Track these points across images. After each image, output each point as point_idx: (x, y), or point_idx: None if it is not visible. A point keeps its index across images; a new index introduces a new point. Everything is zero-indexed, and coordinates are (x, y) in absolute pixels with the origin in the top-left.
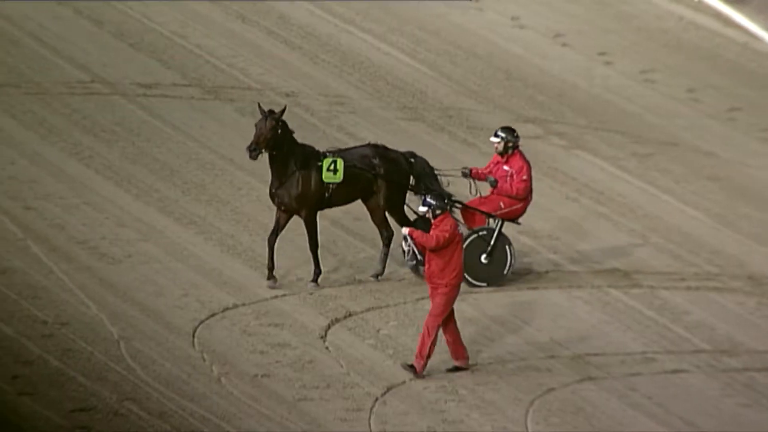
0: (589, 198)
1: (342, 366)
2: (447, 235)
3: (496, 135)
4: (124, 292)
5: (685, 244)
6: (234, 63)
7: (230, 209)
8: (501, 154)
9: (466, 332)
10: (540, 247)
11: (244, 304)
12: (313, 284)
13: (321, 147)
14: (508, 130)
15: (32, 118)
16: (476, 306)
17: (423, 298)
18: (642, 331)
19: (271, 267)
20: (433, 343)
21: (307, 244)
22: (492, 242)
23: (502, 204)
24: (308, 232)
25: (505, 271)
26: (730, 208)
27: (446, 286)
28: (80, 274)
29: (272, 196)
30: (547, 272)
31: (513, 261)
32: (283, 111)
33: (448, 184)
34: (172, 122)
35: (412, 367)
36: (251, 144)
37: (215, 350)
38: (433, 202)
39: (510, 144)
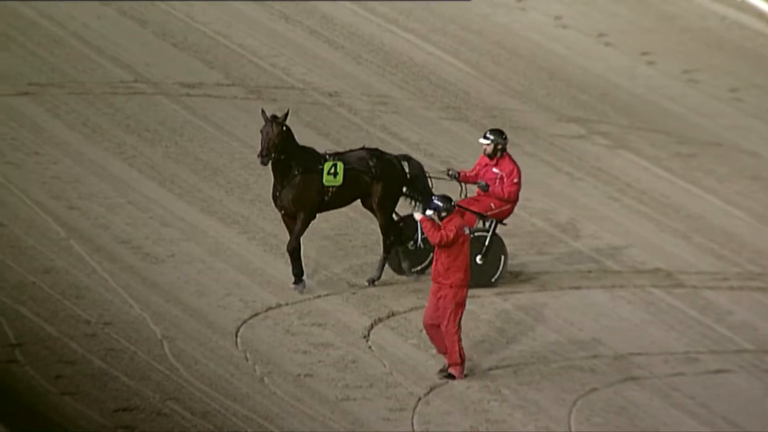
0: (632, 198)
1: (385, 366)
2: (452, 234)
3: (485, 137)
4: (168, 291)
5: (728, 243)
6: (277, 63)
7: (273, 209)
8: (490, 156)
9: (510, 331)
10: (583, 247)
11: (287, 304)
12: (296, 286)
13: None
14: (497, 132)
15: (76, 118)
16: (519, 305)
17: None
18: (685, 330)
19: (298, 273)
20: (461, 347)
21: (288, 241)
22: (487, 243)
23: (492, 205)
24: (298, 231)
25: (498, 275)
26: None
27: (451, 287)
28: (123, 273)
29: (275, 199)
30: (590, 272)
31: (505, 264)
32: (286, 115)
33: (433, 186)
34: (215, 122)
35: (450, 375)
36: (262, 150)
37: (258, 350)
38: (440, 204)
39: (499, 146)
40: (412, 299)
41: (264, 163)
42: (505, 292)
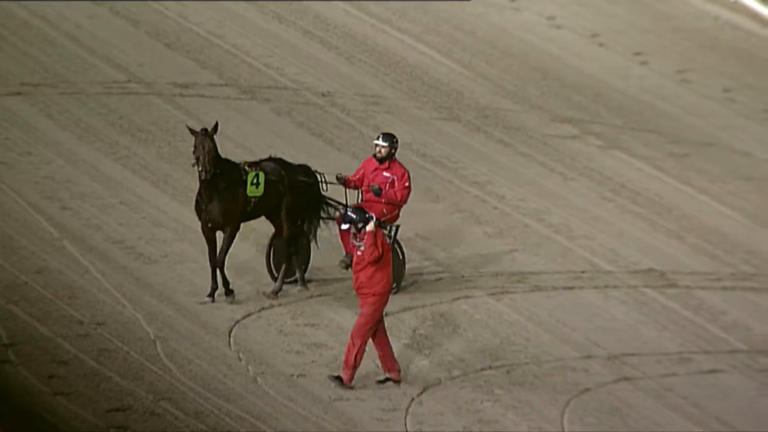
0: (625, 198)
1: (378, 366)
2: (387, 247)
3: (382, 140)
4: (161, 291)
5: (722, 244)
6: (270, 63)
7: None
8: (382, 160)
9: (503, 332)
10: (576, 247)
11: (280, 304)
12: (209, 299)
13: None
14: (390, 136)
15: (68, 118)
16: (513, 306)
17: (459, 298)
18: (678, 331)
19: (215, 287)
20: (360, 353)
21: (218, 257)
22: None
23: (384, 210)
24: (226, 246)
25: (400, 282)
26: (767, 208)
27: (374, 295)
28: (116, 273)
29: (200, 212)
30: (583, 272)
31: (404, 270)
32: (216, 127)
33: (327, 190)
34: (208, 122)
35: (338, 378)
36: (205, 165)
37: (251, 350)
38: (354, 216)
39: (393, 150)
40: (405, 300)
41: (207, 178)
42: (498, 292)
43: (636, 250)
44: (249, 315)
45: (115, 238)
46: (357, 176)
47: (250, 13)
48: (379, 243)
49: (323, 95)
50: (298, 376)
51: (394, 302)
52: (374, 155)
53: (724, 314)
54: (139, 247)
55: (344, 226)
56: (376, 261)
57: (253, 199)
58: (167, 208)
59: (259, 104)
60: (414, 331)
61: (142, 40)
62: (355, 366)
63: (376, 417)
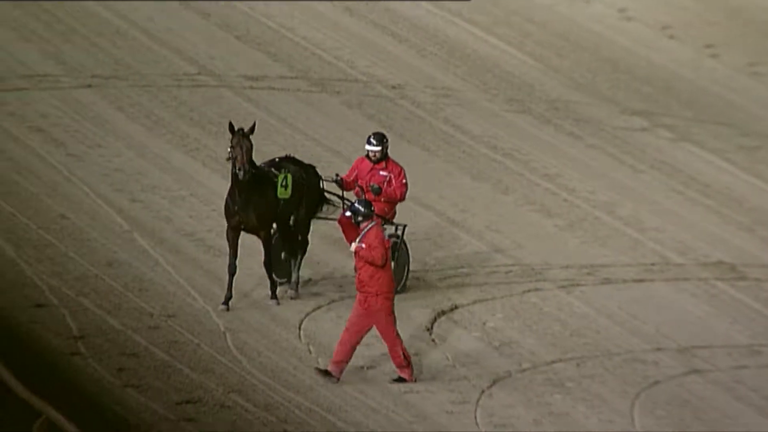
0: (695, 190)
1: (448, 359)
2: (380, 249)
3: (374, 143)
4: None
5: None
6: (340, 55)
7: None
8: (378, 160)
9: (573, 324)
10: (646, 240)
11: (350, 297)
12: (274, 301)
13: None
14: (381, 136)
15: (139, 111)
16: (583, 298)
17: (529, 291)
18: (749, 323)
19: (230, 296)
20: (404, 350)
21: (266, 263)
22: (399, 249)
23: (385, 209)
24: (268, 250)
25: (403, 282)
26: None
27: (377, 295)
28: (187, 266)
29: (230, 215)
30: (653, 264)
31: (408, 270)
32: (253, 127)
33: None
34: (278, 114)
35: (401, 379)
36: (244, 165)
37: (321, 342)
38: (360, 208)
39: (386, 150)
40: (475, 292)
41: (245, 178)
42: (569, 284)
43: (706, 243)
44: (319, 307)
45: (185, 230)
46: (351, 177)
47: (321, 6)
48: (379, 252)
49: (393, 88)
50: (368, 368)
51: (465, 294)
52: (368, 158)
53: None
54: (210, 240)
55: (347, 214)
56: (379, 263)
57: (281, 201)
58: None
59: (330, 97)
60: (484, 323)
61: (212, 33)
62: (409, 362)
63: (446, 410)
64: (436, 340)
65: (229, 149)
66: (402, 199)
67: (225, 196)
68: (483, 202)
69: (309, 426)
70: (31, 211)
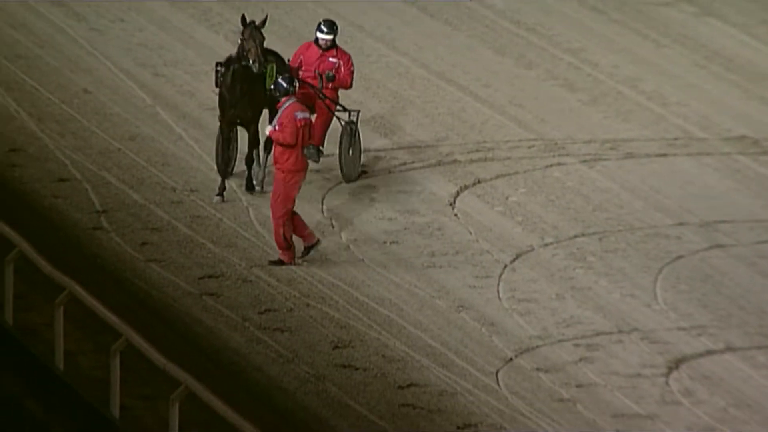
0: (718, 65)
1: (471, 233)
2: (289, 127)
3: (327, 31)
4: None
5: None
6: None
7: (360, 76)
8: (328, 48)
9: (595, 199)
10: (669, 114)
11: (374, 171)
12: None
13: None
14: (331, 23)
15: None
16: (605, 173)
17: (551, 165)
18: None
19: (224, 188)
20: (286, 231)
21: (249, 154)
22: (353, 135)
23: (333, 96)
24: (255, 143)
25: (360, 167)
26: None
27: (282, 172)
28: (209, 140)
29: (226, 107)
30: (676, 139)
31: (360, 158)
32: (265, 20)
33: None
34: None
35: (280, 261)
36: (259, 57)
37: (344, 217)
38: (282, 84)
39: (336, 38)
40: (498, 167)
41: (260, 70)
42: (591, 159)
43: (729, 117)
44: (340, 183)
45: (208, 104)
46: (296, 63)
47: None
48: (288, 131)
49: None
50: (390, 243)
51: (487, 169)
52: (317, 45)
53: None
54: None
55: (272, 87)
56: (287, 142)
57: (267, 93)
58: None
59: None
60: (507, 198)
61: None
62: (289, 245)
63: (469, 284)
64: (459, 215)
65: (242, 41)
66: (349, 85)
67: (218, 89)
68: (506, 76)
69: (331, 300)
70: (54, 86)
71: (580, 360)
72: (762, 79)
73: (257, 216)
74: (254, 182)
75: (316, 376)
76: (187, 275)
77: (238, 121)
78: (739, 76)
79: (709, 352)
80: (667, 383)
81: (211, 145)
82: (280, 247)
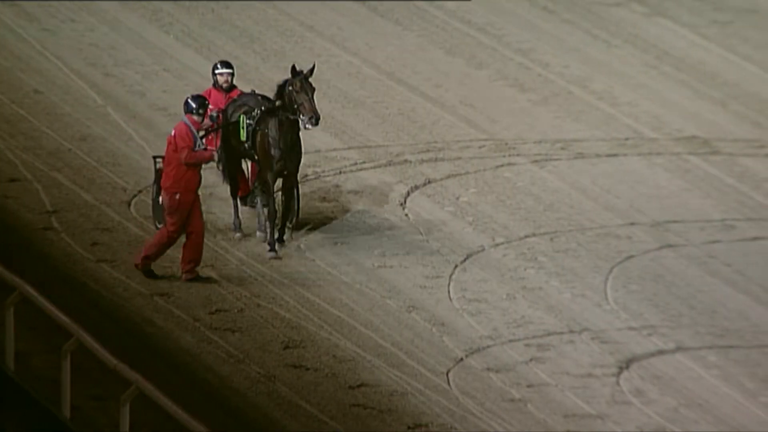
0: (669, 65)
1: (421, 233)
2: (173, 145)
3: (227, 66)
4: None
5: (766, 111)
6: None
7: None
8: (230, 88)
9: (546, 199)
10: (620, 114)
11: (324, 172)
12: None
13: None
14: (227, 61)
15: None
16: (556, 173)
17: (502, 166)
18: (722, 198)
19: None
20: (157, 246)
21: (296, 205)
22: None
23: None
24: (298, 192)
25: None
26: None
27: (165, 191)
28: (160, 141)
29: (279, 160)
30: (627, 139)
31: None
32: (312, 70)
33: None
34: None
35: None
36: (316, 113)
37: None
38: (191, 104)
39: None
40: (448, 167)
41: (315, 125)
42: (542, 159)
43: (679, 117)
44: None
45: (158, 105)
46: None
47: None
48: (179, 144)
49: None
50: (341, 243)
51: (438, 169)
52: (219, 86)
53: None
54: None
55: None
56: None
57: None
58: (210, 75)
59: None
60: (457, 198)
61: None
62: (146, 256)
63: (419, 284)
64: (409, 215)
65: (289, 90)
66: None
67: (262, 141)
68: (456, 76)
69: (282, 300)
70: (5, 86)
71: (531, 360)
72: (712, 80)
73: (208, 217)
74: (284, 235)
75: (266, 376)
76: (138, 275)
77: (285, 172)
78: (689, 76)
79: (660, 352)
80: (617, 383)
81: (162, 145)
82: (143, 250)
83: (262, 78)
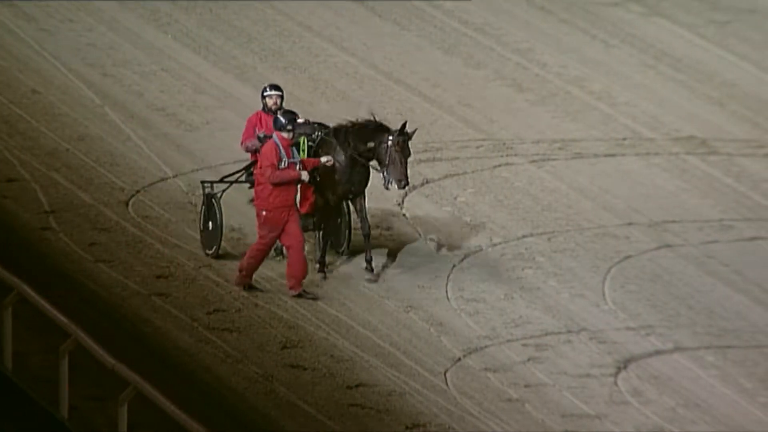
0: (666, 65)
1: (419, 234)
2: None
3: (275, 89)
4: (202, 159)
5: (763, 111)
6: None
7: (308, 76)
8: (277, 110)
9: (544, 199)
10: (617, 114)
11: None
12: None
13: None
14: (278, 86)
15: None
16: (554, 173)
17: (500, 166)
18: (720, 198)
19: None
20: (250, 260)
21: (368, 227)
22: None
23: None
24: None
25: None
26: None
27: (256, 207)
28: (158, 140)
29: (344, 184)
30: (624, 139)
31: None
32: (413, 132)
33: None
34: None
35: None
36: (406, 178)
37: None
38: (282, 120)
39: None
40: (446, 167)
41: (402, 188)
42: (540, 159)
43: (677, 117)
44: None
45: (156, 105)
46: (259, 132)
47: None
48: (263, 163)
49: None
50: (343, 253)
51: (436, 169)
52: (269, 109)
53: (766, 181)
54: (181, 114)
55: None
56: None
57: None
58: (208, 75)
59: None
60: (455, 198)
61: None
62: (240, 270)
63: (418, 284)
64: (407, 215)
65: (387, 144)
66: None
67: (325, 166)
68: (454, 76)
69: (279, 301)
70: (3, 86)
71: (529, 360)
72: (710, 80)
73: None
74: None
75: (264, 376)
76: (136, 275)
77: (350, 195)
78: (687, 76)
79: (658, 352)
80: (615, 383)
81: (160, 145)
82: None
83: (260, 78)
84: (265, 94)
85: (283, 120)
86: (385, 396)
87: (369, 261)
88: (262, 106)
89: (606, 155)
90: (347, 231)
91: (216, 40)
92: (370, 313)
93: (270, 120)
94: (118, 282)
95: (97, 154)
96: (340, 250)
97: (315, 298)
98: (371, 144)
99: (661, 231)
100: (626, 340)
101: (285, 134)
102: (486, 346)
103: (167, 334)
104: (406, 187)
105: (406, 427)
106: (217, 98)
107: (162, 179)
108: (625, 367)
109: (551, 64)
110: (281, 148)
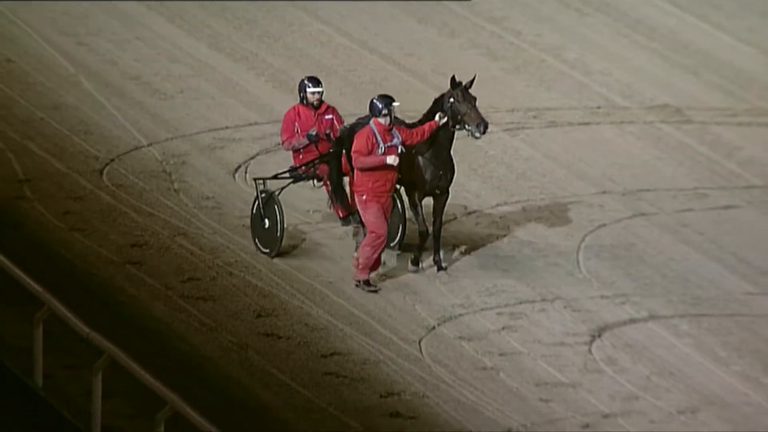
0: (641, 34)
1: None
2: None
3: (317, 85)
4: (176, 127)
5: (737, 79)
6: None
7: (282, 45)
8: (318, 105)
9: (518, 168)
10: (592, 83)
11: None
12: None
13: None
14: (319, 81)
15: None
16: (528, 141)
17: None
18: (694, 166)
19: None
20: (366, 253)
21: (439, 226)
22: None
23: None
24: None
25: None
26: None
27: (354, 192)
28: (132, 109)
29: (434, 178)
30: (599, 108)
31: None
32: (473, 81)
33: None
34: None
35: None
36: (485, 121)
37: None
38: (378, 104)
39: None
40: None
41: (484, 133)
42: (514, 128)
43: (652, 86)
44: (268, 151)
45: (130, 73)
46: (292, 134)
47: None
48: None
49: None
50: (313, 212)
51: None
52: (309, 103)
53: (740, 150)
54: (155, 83)
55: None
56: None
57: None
58: (182, 43)
59: None
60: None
61: None
62: (360, 267)
63: (391, 252)
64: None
65: (450, 102)
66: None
67: (416, 159)
68: (428, 45)
69: (254, 269)
70: None
71: (503, 328)
72: (684, 48)
73: (180, 184)
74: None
75: (239, 345)
76: (110, 244)
77: (437, 191)
78: (661, 44)
79: (632, 321)
80: (590, 351)
81: (134, 113)
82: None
83: (234, 47)
84: (307, 89)
85: (379, 105)
86: (360, 364)
87: (438, 262)
88: (299, 99)
89: (580, 124)
90: (401, 225)
91: (190, 8)
92: (344, 281)
93: (309, 113)
94: (93, 250)
95: (71, 123)
96: (392, 245)
97: (375, 291)
98: (441, 114)
99: (635, 199)
100: (600, 308)
101: (382, 120)
102: (460, 315)
103: (141, 302)
104: (487, 130)
105: (381, 396)
106: (192, 67)
107: (136, 148)
108: (599, 336)
109: (526, 32)
110: (377, 134)
